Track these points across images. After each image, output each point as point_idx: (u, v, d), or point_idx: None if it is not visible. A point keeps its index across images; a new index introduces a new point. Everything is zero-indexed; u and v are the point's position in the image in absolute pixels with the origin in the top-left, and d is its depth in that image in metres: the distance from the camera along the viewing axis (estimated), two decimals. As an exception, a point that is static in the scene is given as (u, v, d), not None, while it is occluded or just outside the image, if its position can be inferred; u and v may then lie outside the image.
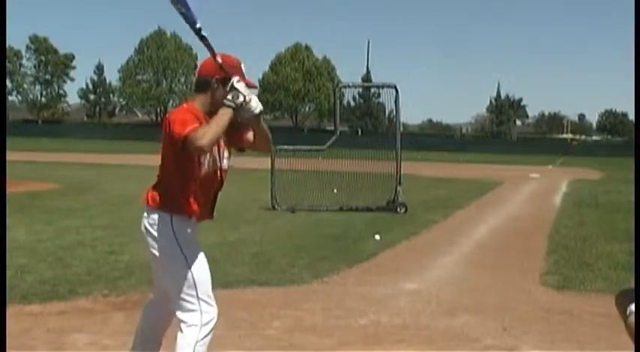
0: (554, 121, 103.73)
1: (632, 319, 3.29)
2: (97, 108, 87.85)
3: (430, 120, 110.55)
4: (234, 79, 3.65)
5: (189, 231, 3.81)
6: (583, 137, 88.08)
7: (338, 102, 15.86)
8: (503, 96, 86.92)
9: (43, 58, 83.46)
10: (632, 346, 3.28)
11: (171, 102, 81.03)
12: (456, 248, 10.39)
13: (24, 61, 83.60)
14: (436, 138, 74.66)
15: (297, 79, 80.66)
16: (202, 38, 3.70)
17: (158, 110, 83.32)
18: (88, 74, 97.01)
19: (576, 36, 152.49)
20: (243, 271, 7.90)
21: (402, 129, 16.69)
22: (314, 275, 7.82)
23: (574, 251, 9.96)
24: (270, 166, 14.58)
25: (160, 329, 4.06)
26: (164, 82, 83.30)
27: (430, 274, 8.30)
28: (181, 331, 3.75)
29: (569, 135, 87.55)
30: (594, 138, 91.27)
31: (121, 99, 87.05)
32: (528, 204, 18.22)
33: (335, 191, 15.61)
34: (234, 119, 3.64)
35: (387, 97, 15.80)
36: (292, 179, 15.09)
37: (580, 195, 20.10)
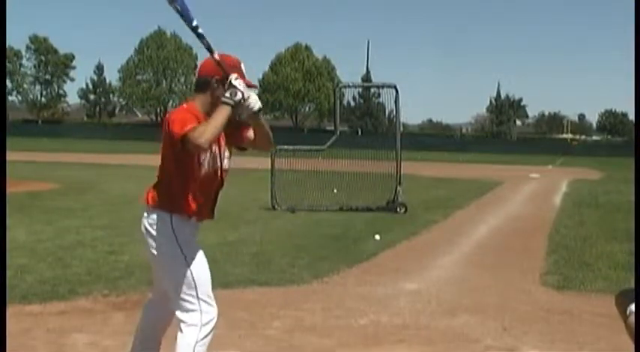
0: (554, 121, 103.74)
1: (632, 319, 3.29)
2: (97, 108, 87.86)
3: (430, 120, 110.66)
4: (232, 76, 3.64)
5: (189, 230, 3.81)
6: (583, 137, 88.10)
7: (338, 102, 15.87)
8: (503, 96, 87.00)
9: (43, 58, 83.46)
10: (632, 346, 3.28)
11: (171, 102, 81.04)
12: (456, 248, 10.39)
13: (24, 61, 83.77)
14: (436, 138, 74.66)
15: (297, 79, 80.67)
16: (199, 36, 3.70)
17: (158, 110, 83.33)
18: (88, 74, 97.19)
19: (576, 36, 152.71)
20: (243, 271, 7.90)
21: (402, 129, 16.70)
22: (314, 275, 7.82)
23: (574, 251, 9.96)
24: (270, 166, 14.58)
25: (160, 329, 4.06)
26: (164, 82, 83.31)
27: (430, 274, 8.30)
28: (181, 331, 3.75)
29: (569, 135, 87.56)
30: (594, 138, 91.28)
31: (121, 99, 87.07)
32: (528, 204, 18.22)
33: (335, 191, 15.60)
34: (233, 118, 3.63)
35: (387, 97, 15.83)
36: (292, 179, 15.09)
37: (580, 195, 20.10)
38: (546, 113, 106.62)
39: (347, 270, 8.22)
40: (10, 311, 5.04)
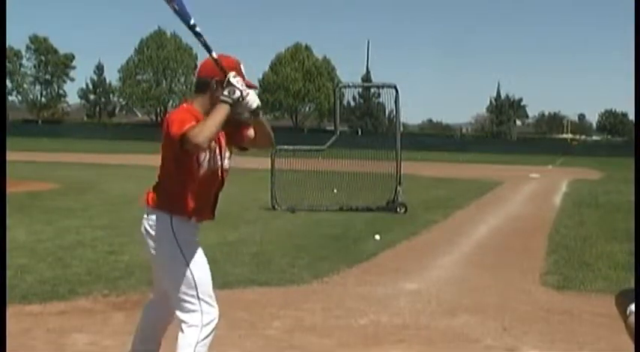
0: (554, 121, 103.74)
1: (632, 319, 3.30)
2: (97, 108, 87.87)
3: (430, 120, 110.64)
4: (231, 75, 3.63)
5: (189, 231, 3.80)
6: (583, 137, 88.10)
7: (338, 102, 15.87)
8: (503, 96, 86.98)
9: (43, 58, 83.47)
10: (632, 346, 3.29)
11: (171, 102, 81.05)
12: (456, 248, 10.39)
13: (24, 61, 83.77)
14: (436, 138, 74.66)
15: (297, 79, 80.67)
16: (197, 35, 3.70)
17: (158, 110, 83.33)
18: (88, 74, 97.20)
19: (576, 36, 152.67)
20: (243, 271, 7.90)
21: (402, 129, 16.70)
22: (314, 275, 7.82)
23: (574, 251, 9.96)
24: (270, 166, 14.58)
25: (160, 329, 4.06)
26: (164, 82, 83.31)
27: (430, 274, 8.30)
28: (182, 331, 3.75)
29: (569, 135, 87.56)
30: (594, 138, 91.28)
31: (121, 99, 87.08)
32: (528, 204, 18.22)
33: (335, 191, 15.60)
34: (232, 117, 3.61)
35: (387, 97, 15.83)
36: (292, 179, 15.09)
37: (580, 195, 20.10)
38: (546, 113, 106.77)
39: (347, 270, 8.22)
40: (10, 311, 5.04)
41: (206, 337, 3.74)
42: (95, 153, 37.64)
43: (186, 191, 3.74)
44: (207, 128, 3.49)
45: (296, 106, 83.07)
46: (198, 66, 4.00)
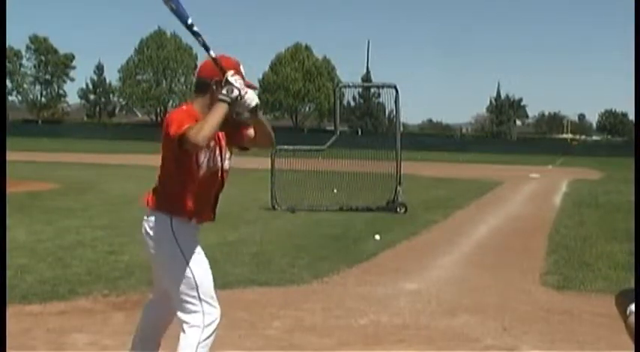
0: (554, 121, 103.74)
1: (632, 319, 3.30)
2: (97, 108, 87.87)
3: (430, 120, 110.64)
4: (229, 73, 3.61)
5: (189, 232, 3.80)
6: (583, 137, 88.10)
7: (338, 102, 15.87)
8: (503, 96, 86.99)
9: (43, 58, 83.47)
10: (632, 346, 3.28)
11: (171, 102, 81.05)
12: (456, 248, 10.39)
13: (24, 61, 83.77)
14: (436, 138, 74.66)
15: (297, 79, 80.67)
16: (195, 34, 3.69)
17: (158, 110, 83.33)
18: (88, 74, 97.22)
19: (576, 36, 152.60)
20: (243, 271, 7.90)
21: (402, 129, 16.70)
22: (314, 275, 7.82)
23: (574, 251, 9.96)
24: (270, 166, 14.59)
25: (160, 328, 4.06)
26: (164, 82, 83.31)
27: (430, 274, 8.30)
28: (184, 331, 3.74)
29: (569, 135, 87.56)
30: (594, 138, 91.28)
31: (121, 99, 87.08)
32: (528, 204, 18.22)
33: (335, 191, 15.61)
34: (230, 116, 3.60)
35: (387, 97, 15.83)
36: (292, 179, 15.09)
37: (580, 195, 20.11)
38: (546, 113, 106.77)
39: (347, 270, 8.22)
40: (10, 311, 5.04)
41: (207, 337, 3.73)
42: (95, 153, 37.64)
43: (186, 191, 3.74)
44: (205, 127, 3.48)
45: (296, 106, 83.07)
46: (198, 66, 3.99)
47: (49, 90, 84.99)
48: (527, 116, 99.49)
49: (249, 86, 3.65)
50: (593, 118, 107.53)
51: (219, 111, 3.54)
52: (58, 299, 6.43)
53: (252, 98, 3.61)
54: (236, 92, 3.57)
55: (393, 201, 14.46)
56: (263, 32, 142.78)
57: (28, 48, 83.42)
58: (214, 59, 3.69)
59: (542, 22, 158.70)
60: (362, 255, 9.22)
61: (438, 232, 12.08)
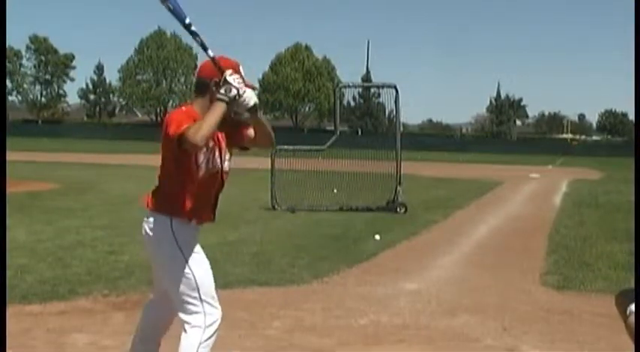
0: (554, 121, 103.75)
1: (632, 319, 3.29)
2: (97, 108, 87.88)
3: (430, 120, 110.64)
4: (227, 73, 3.60)
5: (189, 233, 3.79)
6: (583, 137, 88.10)
7: (338, 102, 15.87)
8: (503, 96, 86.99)
9: (43, 58, 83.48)
10: (632, 346, 3.28)
11: (171, 102, 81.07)
12: (456, 248, 10.39)
13: (24, 61, 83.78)
14: (436, 138, 74.66)
15: (297, 79, 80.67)
16: (192, 34, 3.69)
17: (158, 110, 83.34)
18: (88, 74, 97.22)
19: (576, 36, 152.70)
20: (243, 271, 7.90)
21: (402, 129, 16.70)
22: (314, 275, 7.82)
23: (574, 251, 9.96)
24: (270, 166, 14.59)
25: (160, 329, 4.05)
26: (164, 82, 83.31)
27: (430, 274, 8.30)
28: (185, 332, 3.74)
29: (569, 135, 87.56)
30: (594, 138, 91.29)
31: (121, 99, 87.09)
32: (528, 204, 18.22)
33: (335, 191, 15.61)
34: (229, 115, 3.59)
35: (387, 97, 15.84)
36: (292, 179, 15.09)
37: (580, 195, 20.11)
38: (546, 113, 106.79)
39: (347, 270, 8.22)
40: (10, 311, 5.04)
41: (209, 338, 3.73)
42: (95, 153, 37.65)
43: (185, 192, 3.73)
44: (203, 127, 3.47)
45: (296, 106, 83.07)
46: (198, 67, 3.98)
47: (49, 90, 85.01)
48: (527, 116, 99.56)
49: (248, 86, 3.65)
50: (593, 118, 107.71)
51: (218, 110, 3.53)
52: (58, 299, 6.43)
53: (250, 97, 3.60)
54: (234, 91, 3.56)
55: (393, 201, 14.46)
56: (263, 32, 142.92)
57: (28, 48, 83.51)
58: (212, 59, 3.68)
59: (542, 22, 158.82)
60: (362, 255, 9.22)
61: (438, 232, 12.08)
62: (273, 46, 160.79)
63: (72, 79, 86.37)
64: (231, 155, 3.90)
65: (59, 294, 6.58)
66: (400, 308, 6.57)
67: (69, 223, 11.28)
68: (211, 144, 3.70)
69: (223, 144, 3.81)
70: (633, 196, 7.30)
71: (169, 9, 3.64)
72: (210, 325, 3.73)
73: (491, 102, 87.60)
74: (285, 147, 14.91)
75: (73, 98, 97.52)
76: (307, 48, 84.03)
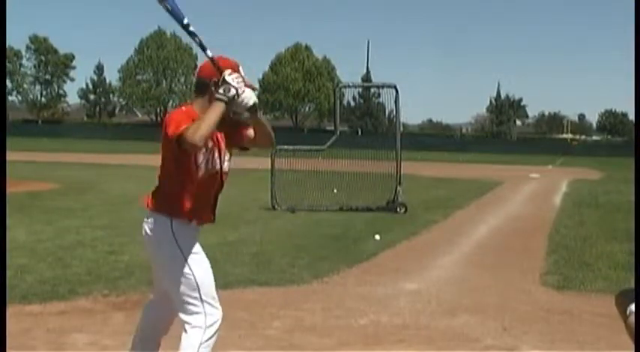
0: (554, 121, 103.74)
1: (632, 319, 3.29)
2: (97, 108, 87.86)
3: (430, 120, 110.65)
4: (226, 72, 3.59)
5: (189, 234, 3.79)
6: (583, 137, 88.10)
7: (338, 102, 15.87)
8: (503, 96, 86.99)
9: (43, 58, 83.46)
10: (632, 346, 3.28)
11: (171, 102, 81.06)
12: (456, 248, 10.39)
13: (24, 61, 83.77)
14: (436, 138, 74.67)
15: (297, 79, 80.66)
16: (191, 34, 3.69)
17: (158, 110, 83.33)
18: (88, 74, 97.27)
19: (576, 36, 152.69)
20: (243, 271, 7.90)
21: (402, 129, 16.70)
22: (314, 275, 7.82)
23: (574, 251, 9.96)
24: (270, 166, 14.59)
25: (160, 329, 4.05)
26: (164, 82, 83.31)
27: (430, 274, 8.30)
28: (186, 332, 3.74)
29: (569, 135, 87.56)
30: (594, 138, 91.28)
31: (121, 99, 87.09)
32: (528, 204, 18.22)
33: (335, 191, 15.61)
34: (228, 115, 3.59)
35: (387, 97, 15.84)
36: (292, 179, 15.09)
37: (580, 195, 20.10)
38: (546, 113, 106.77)
39: (347, 270, 8.22)
40: (10, 311, 5.04)
41: (209, 338, 3.73)
42: (95, 153, 37.64)
43: (185, 192, 3.73)
44: (202, 127, 3.47)
45: (296, 106, 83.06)
46: (198, 67, 3.98)
47: (49, 90, 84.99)
48: (527, 116, 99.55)
49: (248, 86, 3.64)
50: (593, 118, 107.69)
51: (216, 110, 3.53)
52: (58, 299, 6.43)
53: (249, 97, 3.60)
54: (233, 91, 3.55)
55: (393, 201, 14.46)
56: (263, 32, 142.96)
57: (28, 48, 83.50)
58: (211, 59, 3.68)
59: (542, 22, 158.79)
60: (362, 255, 9.22)
61: (438, 232, 12.08)
62: (273, 46, 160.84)
63: (72, 79, 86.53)
64: (230, 155, 3.90)
65: (59, 294, 6.58)
66: (400, 308, 6.57)
67: (69, 223, 11.28)
68: (210, 144, 3.69)
69: (223, 145, 3.81)
70: (633, 196, 7.30)
71: (167, 9, 3.63)
72: (211, 325, 3.73)
73: (491, 102, 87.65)
74: (285, 147, 14.91)
75: (73, 98, 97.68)
76: (307, 48, 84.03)
